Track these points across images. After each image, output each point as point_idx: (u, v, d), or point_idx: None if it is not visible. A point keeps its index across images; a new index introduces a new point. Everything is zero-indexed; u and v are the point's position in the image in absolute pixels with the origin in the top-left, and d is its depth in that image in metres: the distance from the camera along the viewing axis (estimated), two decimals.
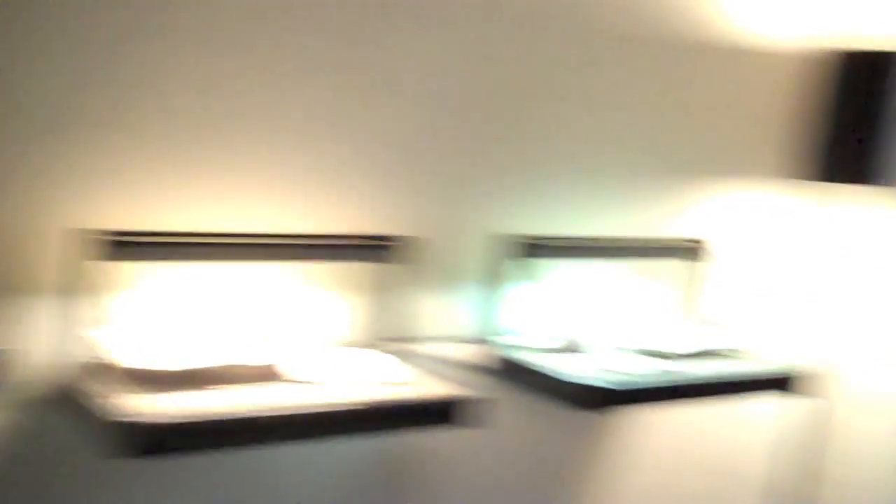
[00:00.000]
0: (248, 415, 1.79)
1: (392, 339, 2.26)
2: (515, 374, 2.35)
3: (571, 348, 2.40)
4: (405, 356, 2.19)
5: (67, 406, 1.89)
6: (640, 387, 2.24)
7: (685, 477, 2.95)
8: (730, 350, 2.60)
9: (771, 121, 2.77)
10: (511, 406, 2.46)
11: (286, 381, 1.97)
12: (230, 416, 1.77)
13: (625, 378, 2.23)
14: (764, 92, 2.79)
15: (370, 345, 2.23)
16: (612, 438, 2.77)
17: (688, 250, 2.77)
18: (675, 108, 2.69)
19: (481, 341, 2.41)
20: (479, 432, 2.16)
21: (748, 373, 2.50)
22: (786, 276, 2.94)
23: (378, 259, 2.24)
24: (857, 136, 2.54)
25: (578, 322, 2.46)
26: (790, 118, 2.72)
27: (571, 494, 2.73)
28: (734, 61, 2.72)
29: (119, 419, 1.68)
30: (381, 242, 2.23)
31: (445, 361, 2.34)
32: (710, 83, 2.73)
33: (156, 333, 2.00)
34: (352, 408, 1.89)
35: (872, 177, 2.54)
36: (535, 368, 2.29)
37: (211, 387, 1.88)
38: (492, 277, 2.41)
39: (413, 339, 2.30)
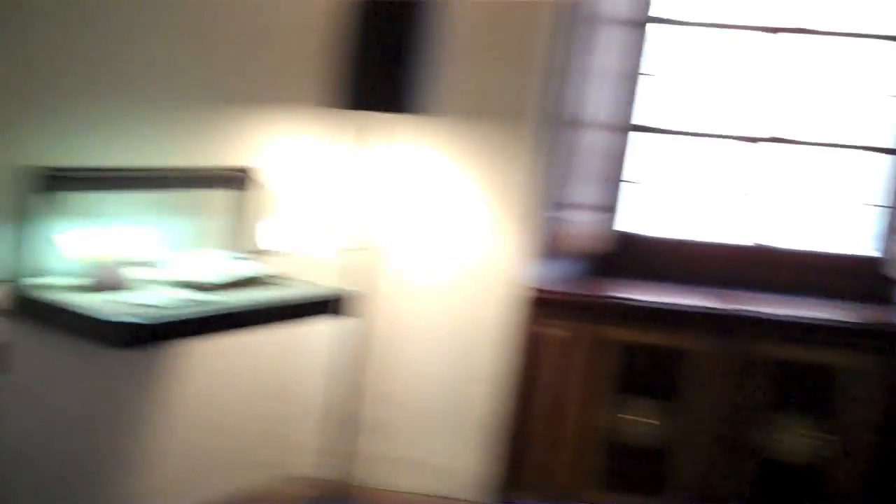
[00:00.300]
0: None
1: None
2: (43, 314, 2.22)
3: (105, 285, 2.30)
4: None
5: None
6: (174, 320, 2.20)
7: (245, 405, 2.98)
8: (276, 277, 2.65)
9: (310, 52, 2.81)
10: (41, 349, 2.32)
11: None
12: None
13: (158, 313, 2.18)
14: (303, 24, 2.82)
15: None
16: (161, 374, 2.72)
17: (233, 180, 2.76)
18: (219, 38, 2.65)
19: (3, 282, 2.24)
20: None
21: (293, 298, 2.56)
22: (326, 200, 3.03)
23: None
24: (388, 69, 2.66)
25: (111, 258, 2.35)
26: (328, 50, 2.77)
27: (116, 434, 2.65)
28: None
29: None
30: None
31: None
32: (253, 14, 2.71)
33: None
34: None
35: (401, 106, 2.67)
36: (63, 308, 2.17)
37: None
38: (13, 213, 2.24)
39: None
